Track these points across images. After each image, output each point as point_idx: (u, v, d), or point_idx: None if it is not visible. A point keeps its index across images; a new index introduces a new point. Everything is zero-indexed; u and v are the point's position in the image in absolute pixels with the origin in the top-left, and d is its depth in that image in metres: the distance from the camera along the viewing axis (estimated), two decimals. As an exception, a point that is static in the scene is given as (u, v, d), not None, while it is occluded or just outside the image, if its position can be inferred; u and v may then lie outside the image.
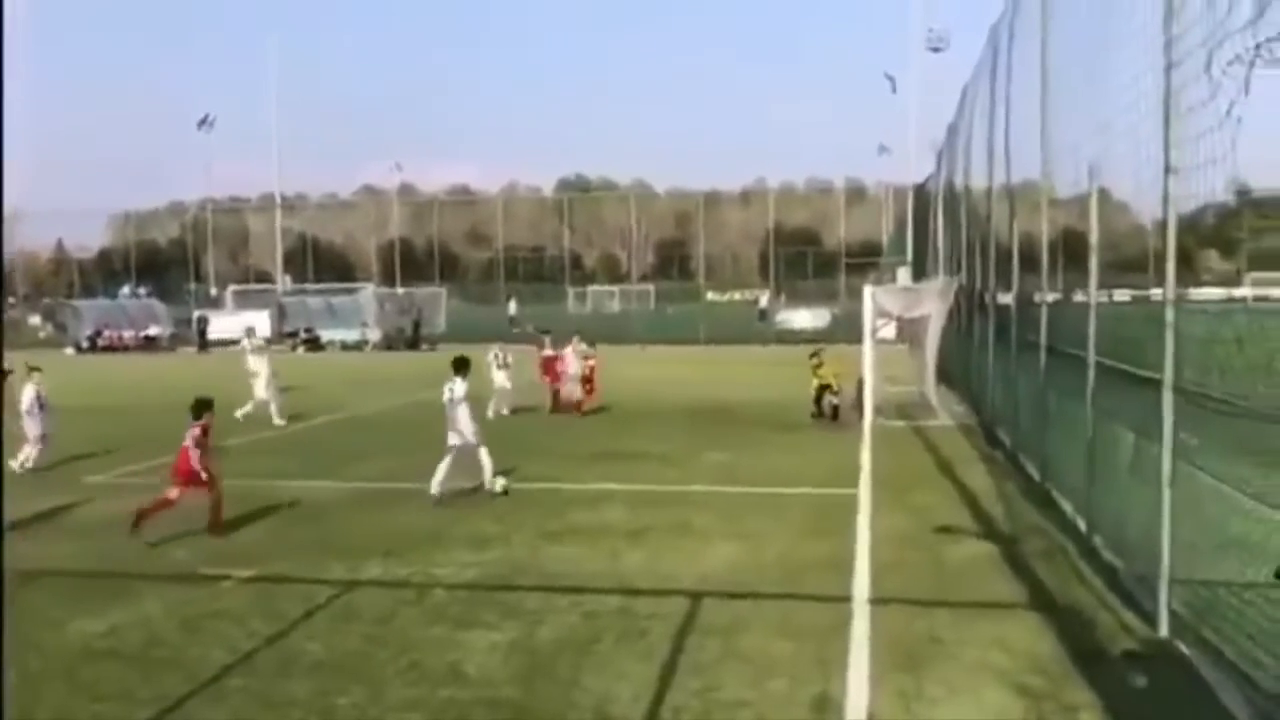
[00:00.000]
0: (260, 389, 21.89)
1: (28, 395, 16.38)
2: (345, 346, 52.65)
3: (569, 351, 23.52)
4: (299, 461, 16.80)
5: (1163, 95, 7.14)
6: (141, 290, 70.88)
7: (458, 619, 8.46)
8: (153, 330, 55.77)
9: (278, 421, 21.34)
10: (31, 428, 16.16)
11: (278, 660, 7.58)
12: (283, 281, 67.08)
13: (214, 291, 68.65)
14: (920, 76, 62.30)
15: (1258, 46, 5.05)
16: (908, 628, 7.96)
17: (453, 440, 13.66)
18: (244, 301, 62.80)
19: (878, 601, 8.66)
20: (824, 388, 20.56)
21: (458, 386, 13.78)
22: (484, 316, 61.68)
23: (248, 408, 21.34)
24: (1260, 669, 6.02)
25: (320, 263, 75.36)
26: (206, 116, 72.92)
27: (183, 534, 11.50)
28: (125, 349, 52.62)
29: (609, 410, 22.81)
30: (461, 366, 14.01)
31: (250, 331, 26.13)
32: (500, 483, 13.68)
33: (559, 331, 25.65)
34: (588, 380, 23.20)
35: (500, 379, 22.29)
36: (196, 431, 12.05)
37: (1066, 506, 11.51)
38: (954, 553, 10.28)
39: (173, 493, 11.79)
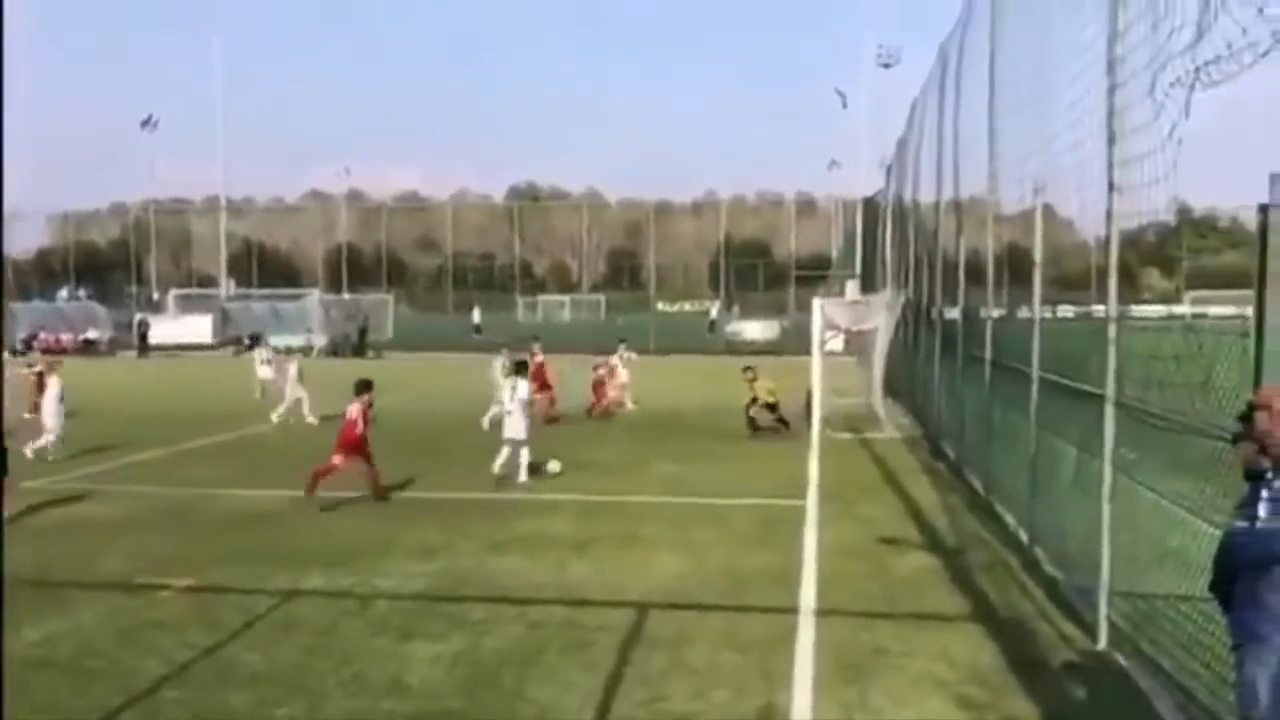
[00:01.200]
0: (290, 390, 22.79)
1: (52, 390, 17.80)
2: (290, 352, 52.03)
3: (616, 360, 25.11)
4: (240, 469, 16.53)
5: (1107, 115, 7.27)
6: (81, 293, 69.57)
7: (401, 630, 8.35)
8: (92, 334, 54.68)
9: (310, 420, 21.94)
10: (52, 421, 17.44)
11: (215, 671, 7.42)
12: (227, 286, 66.20)
13: (156, 295, 67.55)
14: (870, 92, 63.24)
15: (1198, 70, 5.15)
16: (852, 639, 7.99)
17: (509, 434, 15.03)
18: (187, 305, 61.95)
19: (823, 613, 8.69)
20: (754, 400, 20.59)
21: (521, 387, 15.36)
22: (432, 324, 61.34)
23: (281, 409, 22.43)
24: (1195, 679, 6.12)
25: (265, 267, 74.50)
26: (150, 117, 72.02)
27: (119, 542, 11.26)
28: (63, 352, 51.48)
29: (555, 420, 22.72)
30: (521, 369, 16.26)
31: (258, 339, 26.45)
32: (554, 465, 15.42)
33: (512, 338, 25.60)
34: (600, 386, 23.69)
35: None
36: (360, 406, 13.89)
37: (1009, 519, 11.65)
38: (899, 564, 10.35)
39: (337, 459, 13.59)
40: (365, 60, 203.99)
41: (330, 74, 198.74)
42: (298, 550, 11.07)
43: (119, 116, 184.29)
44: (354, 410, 13.89)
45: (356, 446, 13.68)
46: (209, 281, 70.89)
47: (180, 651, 7.81)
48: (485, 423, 19.97)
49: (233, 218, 76.81)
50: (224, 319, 57.25)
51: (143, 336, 52.04)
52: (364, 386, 14.14)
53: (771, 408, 20.47)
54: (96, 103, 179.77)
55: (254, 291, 64.41)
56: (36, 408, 20.12)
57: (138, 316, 56.31)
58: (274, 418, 22.34)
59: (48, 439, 17.28)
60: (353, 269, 74.56)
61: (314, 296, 60.60)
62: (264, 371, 27.33)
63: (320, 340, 51.50)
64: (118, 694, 6.97)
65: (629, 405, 24.62)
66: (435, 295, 73.54)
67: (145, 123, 71.69)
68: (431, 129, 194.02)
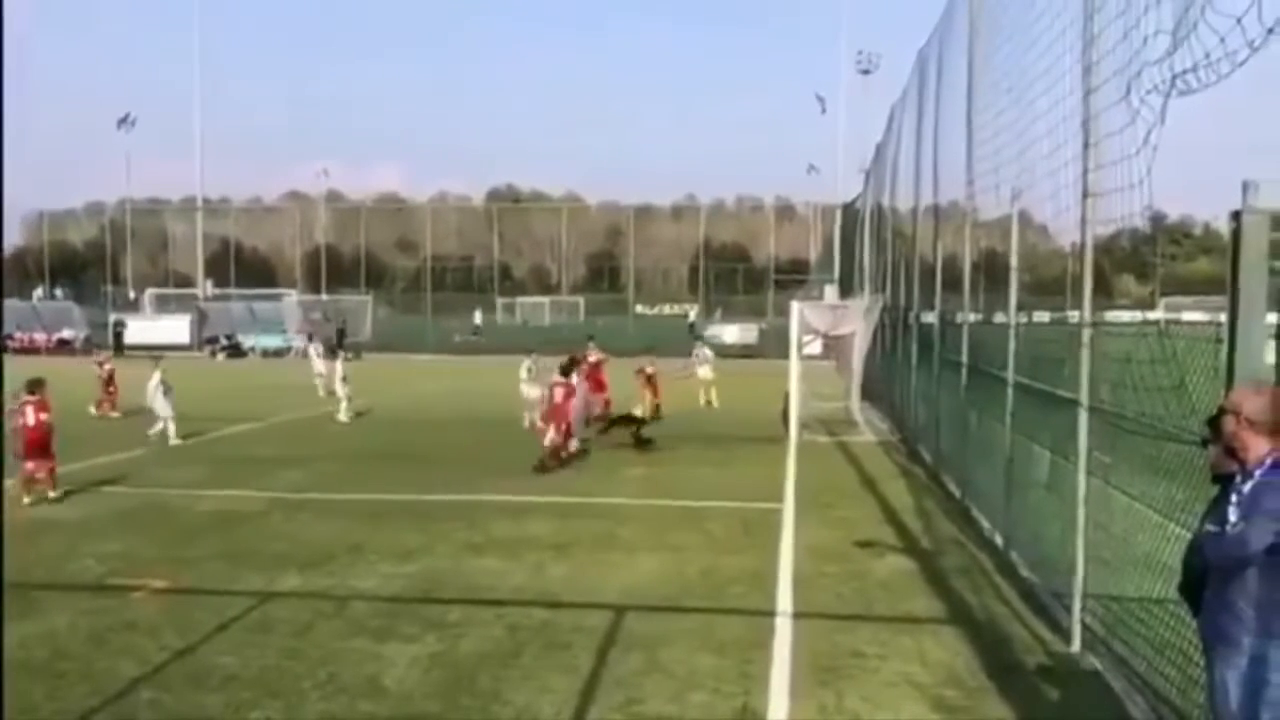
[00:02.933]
0: (339, 389, 23.95)
1: (153, 382, 19.77)
2: (267, 354, 51.78)
3: (694, 359, 26.78)
4: (215, 471, 16.41)
5: (1082, 121, 7.33)
6: (57, 292, 68.95)
7: (378, 631, 8.32)
8: (67, 333, 54.21)
9: (342, 419, 23.13)
10: (162, 409, 19.57)
11: (189, 673, 7.37)
12: (204, 286, 65.70)
13: (132, 295, 66.99)
14: (850, 98, 63.50)
15: (1174, 78, 5.20)
16: (829, 641, 8.02)
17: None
18: (164, 306, 61.54)
19: (800, 615, 8.72)
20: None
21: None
22: (411, 325, 61.12)
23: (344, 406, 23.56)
24: (1167, 681, 6.18)
25: (243, 268, 73.79)
26: (127, 115, 71.35)
27: (90, 544, 11.17)
28: (37, 352, 51.04)
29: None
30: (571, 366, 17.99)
31: (311, 336, 27.74)
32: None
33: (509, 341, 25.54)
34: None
35: (528, 391, 21.61)
36: (566, 386, 17.04)
37: (985, 523, 11.73)
38: (875, 567, 10.39)
39: (553, 434, 16.61)
40: (345, 60, 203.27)
41: (309, 74, 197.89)
42: (273, 552, 11.02)
43: (96, 115, 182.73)
44: (558, 394, 17.12)
45: (562, 418, 16.93)
46: (186, 282, 70.25)
47: (154, 653, 7.76)
48: (525, 423, 20.91)
49: (210, 218, 76.23)
50: (201, 320, 56.85)
51: (118, 336, 51.59)
52: (571, 364, 17.74)
53: (632, 420, 19.70)
54: (73, 101, 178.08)
55: (232, 292, 63.99)
56: (101, 404, 23.72)
57: (114, 316, 55.86)
58: (342, 417, 23.26)
59: (159, 426, 19.47)
60: (331, 270, 74.13)
61: (292, 297, 60.32)
62: (320, 366, 29.67)
63: (298, 342, 51.26)
64: (91, 696, 6.92)
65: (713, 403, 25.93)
66: (414, 296, 73.09)
67: (122, 121, 71.16)
68: (411, 130, 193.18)
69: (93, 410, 23.57)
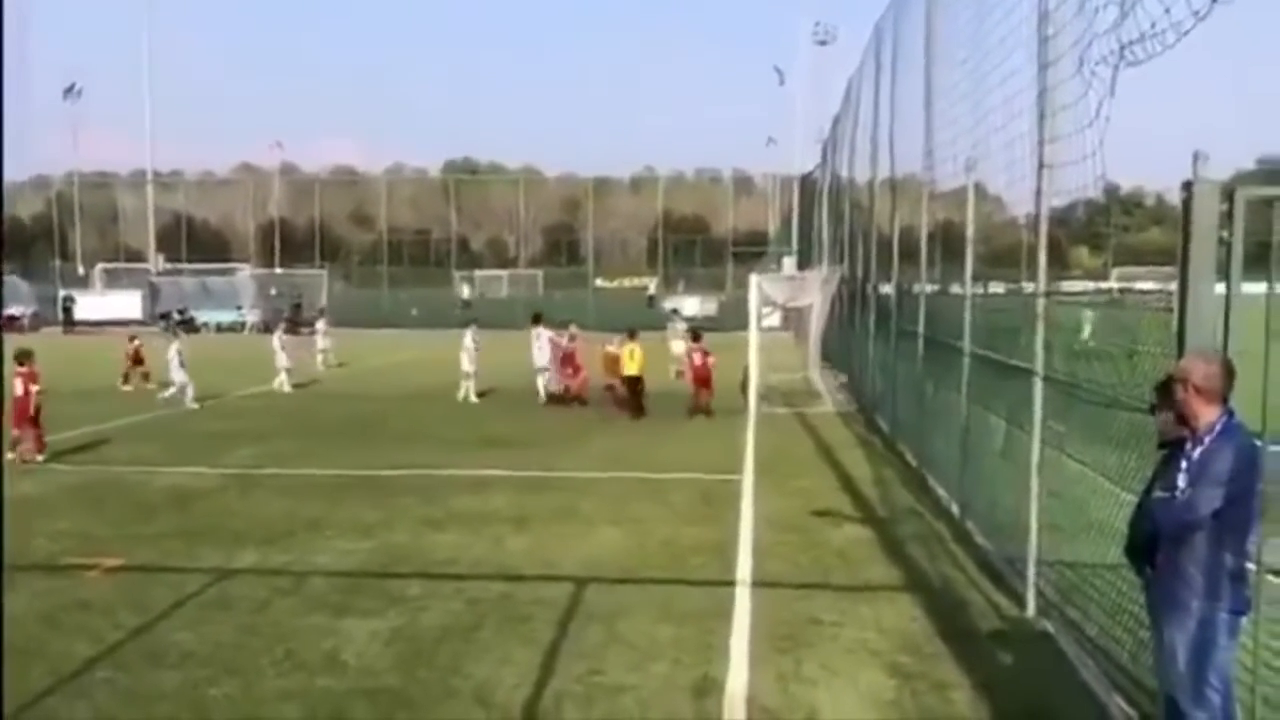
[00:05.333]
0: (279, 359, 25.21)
1: (172, 351, 21.61)
2: (221, 328, 51.09)
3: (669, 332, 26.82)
4: (169, 447, 16.20)
5: (1038, 93, 7.37)
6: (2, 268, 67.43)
7: (337, 607, 8.28)
8: (14, 309, 53.05)
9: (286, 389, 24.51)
10: (178, 376, 21.31)
11: (145, 652, 7.30)
12: (156, 261, 64.57)
13: (81, 270, 65.72)
14: (807, 69, 63.46)
15: (1122, 49, 5.23)
16: (788, 610, 8.10)
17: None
18: (114, 281, 60.44)
19: (759, 585, 8.79)
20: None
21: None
22: (367, 299, 60.53)
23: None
24: (1117, 645, 6.30)
25: (195, 242, 72.71)
26: (73, 85, 69.82)
27: (42, 522, 11.01)
28: (-14, 329, 49.98)
29: (494, 396, 22.68)
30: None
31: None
32: None
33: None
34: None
35: (540, 360, 22.16)
36: (630, 345, 19.81)
37: (941, 491, 11.87)
38: (833, 536, 10.49)
39: (617, 386, 20.09)
40: (297, 30, 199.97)
41: (261, 44, 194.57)
42: (229, 529, 10.91)
43: (40, 84, 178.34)
44: (618, 347, 20.06)
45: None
46: (137, 256, 68.90)
47: (109, 632, 7.67)
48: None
49: (161, 192, 74.83)
50: (153, 295, 55.93)
51: (68, 312, 50.64)
52: (634, 333, 20.26)
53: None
54: (17, 69, 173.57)
55: (184, 266, 62.93)
56: (126, 379, 24.87)
57: (63, 292, 54.82)
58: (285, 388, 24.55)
59: (173, 390, 21.24)
60: (286, 244, 73.13)
61: (245, 272, 59.46)
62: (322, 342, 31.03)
63: (252, 316, 50.63)
64: (46, 676, 6.83)
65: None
66: (370, 270, 72.34)
67: (68, 91, 69.58)
68: (366, 102, 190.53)
69: (122, 385, 24.70)
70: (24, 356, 14.82)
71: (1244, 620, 4.76)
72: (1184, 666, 4.68)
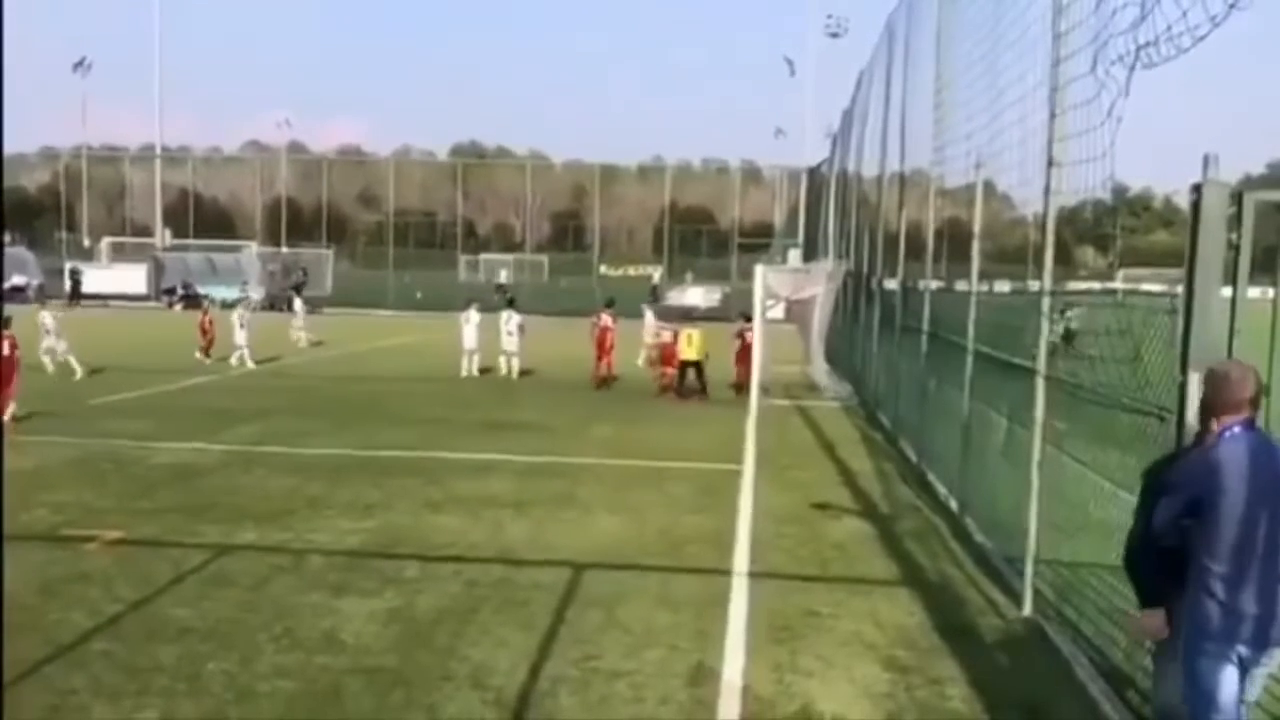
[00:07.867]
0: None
1: (235, 319, 25.43)
2: (225, 305, 51.07)
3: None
4: (168, 423, 16.22)
5: (1049, 91, 7.35)
6: (8, 238, 67.46)
7: (335, 586, 8.30)
8: (18, 280, 53.02)
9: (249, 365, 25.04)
10: (240, 340, 24.90)
11: (144, 626, 7.33)
12: (162, 236, 64.55)
13: (87, 243, 65.72)
14: (818, 62, 63.28)
15: (1139, 50, 5.21)
16: (785, 601, 8.11)
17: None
18: (120, 255, 60.43)
19: (757, 575, 8.81)
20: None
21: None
22: (372, 281, 60.47)
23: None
24: (1114, 645, 6.32)
25: (202, 218, 72.52)
26: (83, 59, 69.75)
27: (42, 495, 11.04)
28: (-12, 298, 49.94)
29: (493, 381, 22.71)
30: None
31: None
32: None
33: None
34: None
35: (469, 339, 23.81)
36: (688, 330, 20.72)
37: (940, 488, 11.87)
38: (832, 529, 10.51)
39: (669, 370, 20.72)
40: (309, 7, 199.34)
41: (271, 21, 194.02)
42: (230, 505, 10.94)
43: (51, 58, 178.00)
44: (667, 334, 21.46)
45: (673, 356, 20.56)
46: (144, 231, 68.90)
47: (108, 605, 7.70)
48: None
49: (169, 167, 74.77)
50: (159, 269, 55.94)
51: (75, 284, 50.63)
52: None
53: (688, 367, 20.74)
54: (26, 42, 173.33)
55: (190, 242, 62.91)
56: (208, 350, 25.93)
57: (69, 264, 54.81)
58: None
59: (240, 353, 24.79)
60: (292, 223, 72.94)
61: (251, 249, 59.46)
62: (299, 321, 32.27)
63: (257, 294, 50.59)
64: (43, 647, 6.85)
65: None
66: (375, 251, 72.16)
67: (78, 65, 69.51)
68: (376, 82, 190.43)
69: (198, 355, 25.78)
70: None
71: (1270, 655, 4.34)
72: (1177, 703, 4.51)
